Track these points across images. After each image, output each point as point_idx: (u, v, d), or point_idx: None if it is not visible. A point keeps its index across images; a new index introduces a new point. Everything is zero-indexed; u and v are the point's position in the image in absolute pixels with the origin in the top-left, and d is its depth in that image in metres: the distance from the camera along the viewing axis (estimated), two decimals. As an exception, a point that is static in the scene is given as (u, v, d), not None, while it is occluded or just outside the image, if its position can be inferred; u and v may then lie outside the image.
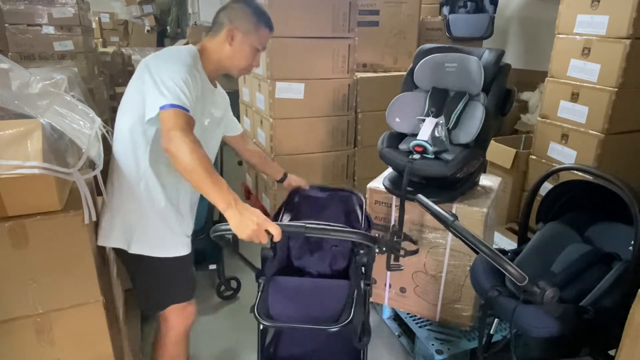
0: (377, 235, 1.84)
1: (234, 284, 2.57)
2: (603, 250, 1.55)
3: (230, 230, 1.18)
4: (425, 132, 1.82)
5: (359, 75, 3.14)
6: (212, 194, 1.18)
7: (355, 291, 1.47)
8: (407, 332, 2.21)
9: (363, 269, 1.54)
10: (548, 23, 3.06)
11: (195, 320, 1.66)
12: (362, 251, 1.50)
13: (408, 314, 2.18)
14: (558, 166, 1.72)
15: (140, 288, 1.55)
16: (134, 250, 1.41)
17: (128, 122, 1.37)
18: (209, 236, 1.37)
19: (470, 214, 1.87)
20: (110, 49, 4.76)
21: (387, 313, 2.35)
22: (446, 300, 2.04)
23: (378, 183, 2.10)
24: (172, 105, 1.22)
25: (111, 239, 1.43)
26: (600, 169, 1.78)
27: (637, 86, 2.50)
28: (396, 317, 2.32)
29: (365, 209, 1.81)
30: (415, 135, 1.87)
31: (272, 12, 1.51)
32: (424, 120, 1.87)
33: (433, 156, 1.82)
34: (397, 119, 1.99)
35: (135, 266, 1.48)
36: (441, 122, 1.82)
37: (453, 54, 1.93)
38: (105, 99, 3.68)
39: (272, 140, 2.94)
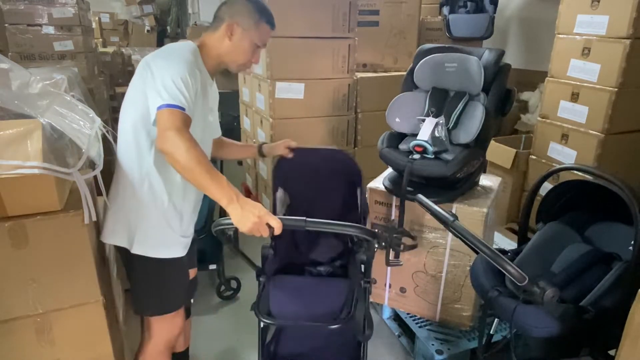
0: (376, 230, 1.83)
1: (234, 284, 2.57)
2: (603, 250, 1.55)
3: (231, 224, 1.18)
4: (425, 132, 1.82)
5: (359, 75, 3.15)
6: (213, 190, 1.18)
7: (356, 289, 1.47)
8: (407, 332, 2.21)
9: (362, 267, 1.55)
10: (548, 23, 3.06)
11: (187, 334, 1.63)
12: (361, 249, 1.50)
13: (408, 314, 2.18)
14: (558, 166, 1.72)
15: (135, 290, 1.54)
16: (135, 250, 1.41)
17: (130, 121, 1.37)
18: (209, 236, 1.37)
19: (470, 214, 1.87)
20: (110, 49, 4.76)
21: (387, 313, 2.35)
22: (446, 300, 2.03)
23: (378, 183, 2.10)
24: (169, 105, 1.22)
25: (116, 237, 1.43)
26: (600, 169, 1.78)
27: (637, 86, 2.50)
28: (396, 317, 2.32)
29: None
30: (415, 135, 1.87)
31: (272, 12, 1.50)
32: (424, 120, 1.87)
33: (433, 156, 1.82)
34: (397, 119, 1.99)
35: (134, 267, 1.47)
36: (441, 122, 1.82)
37: (453, 54, 1.93)
38: (105, 99, 3.68)
39: (272, 140, 2.94)
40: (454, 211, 1.88)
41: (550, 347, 1.51)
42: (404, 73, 2.09)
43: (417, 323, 2.12)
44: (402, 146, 1.94)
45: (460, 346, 1.96)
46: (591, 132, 2.59)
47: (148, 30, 7.39)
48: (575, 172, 2.09)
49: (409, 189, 1.85)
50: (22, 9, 2.93)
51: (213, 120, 1.62)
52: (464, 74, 1.86)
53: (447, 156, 1.81)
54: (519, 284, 1.22)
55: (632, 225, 1.33)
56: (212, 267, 2.48)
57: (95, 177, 1.36)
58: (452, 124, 1.84)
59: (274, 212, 1.82)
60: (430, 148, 1.80)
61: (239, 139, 3.72)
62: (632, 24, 2.36)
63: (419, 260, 2.03)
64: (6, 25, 2.93)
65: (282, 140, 1.79)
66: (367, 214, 1.83)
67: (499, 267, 1.23)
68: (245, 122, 3.66)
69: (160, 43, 7.44)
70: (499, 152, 3.06)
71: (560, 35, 2.75)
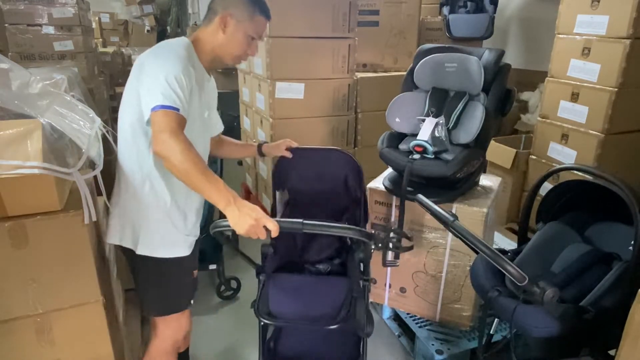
0: (373, 232, 1.84)
1: (234, 284, 2.57)
2: (603, 250, 1.55)
3: (229, 226, 1.18)
4: (425, 132, 1.82)
5: (359, 75, 3.15)
6: (210, 193, 1.17)
7: (355, 287, 1.48)
8: (407, 332, 2.21)
9: (361, 265, 1.55)
10: (548, 23, 3.06)
11: (187, 334, 1.63)
12: (360, 248, 1.51)
13: (408, 314, 2.18)
14: (558, 166, 1.72)
15: (141, 291, 1.54)
16: (140, 251, 1.41)
17: (128, 122, 1.36)
18: (209, 236, 1.37)
19: (470, 214, 1.87)
20: (110, 49, 4.76)
21: (387, 313, 2.35)
22: (446, 300, 2.03)
23: (378, 183, 2.10)
24: (163, 106, 1.20)
25: (120, 239, 1.43)
26: (600, 169, 1.78)
27: (637, 86, 2.50)
28: (396, 317, 2.32)
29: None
30: (415, 135, 1.88)
31: (272, 12, 1.49)
32: (424, 120, 1.87)
33: (433, 156, 1.82)
34: (397, 119, 1.99)
35: (139, 267, 1.47)
36: (441, 122, 1.82)
37: (453, 54, 1.93)
38: (105, 99, 3.68)
39: (272, 140, 2.94)
40: (454, 211, 1.88)
41: (550, 347, 1.51)
42: (404, 73, 2.09)
43: (417, 323, 2.12)
44: (402, 146, 1.94)
45: (460, 346, 1.96)
46: (591, 132, 2.59)
47: (148, 30, 7.40)
48: (575, 172, 2.09)
49: (409, 189, 1.85)
50: (22, 9, 2.93)
51: (212, 116, 1.60)
52: (464, 74, 1.86)
53: (447, 156, 1.81)
54: (519, 284, 1.22)
55: (632, 225, 1.33)
56: (212, 267, 2.48)
57: (95, 177, 1.36)
58: (452, 124, 1.84)
59: (274, 213, 1.82)
60: (430, 148, 1.80)
61: (239, 139, 3.71)
62: (632, 24, 2.36)
63: (419, 260, 2.03)
64: (6, 25, 2.93)
65: (282, 140, 1.78)
66: (368, 214, 1.83)
67: (499, 267, 1.24)
68: (245, 122, 3.66)
69: (160, 43, 7.44)
70: (499, 152, 3.06)
71: (560, 35, 2.75)
